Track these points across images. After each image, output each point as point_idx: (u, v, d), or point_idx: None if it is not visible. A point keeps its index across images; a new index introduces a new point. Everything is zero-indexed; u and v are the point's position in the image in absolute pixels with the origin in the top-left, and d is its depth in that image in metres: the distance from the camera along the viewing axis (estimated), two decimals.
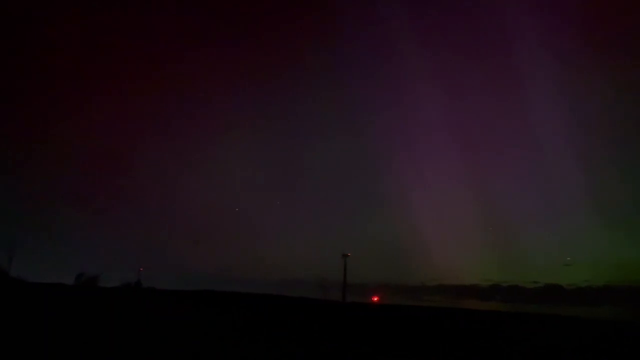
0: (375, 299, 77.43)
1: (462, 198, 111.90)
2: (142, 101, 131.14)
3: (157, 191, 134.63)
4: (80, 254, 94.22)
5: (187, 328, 27.89)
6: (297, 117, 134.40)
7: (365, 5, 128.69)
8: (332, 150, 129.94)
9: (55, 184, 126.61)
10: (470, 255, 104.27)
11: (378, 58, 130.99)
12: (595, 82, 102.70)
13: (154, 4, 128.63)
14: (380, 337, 29.91)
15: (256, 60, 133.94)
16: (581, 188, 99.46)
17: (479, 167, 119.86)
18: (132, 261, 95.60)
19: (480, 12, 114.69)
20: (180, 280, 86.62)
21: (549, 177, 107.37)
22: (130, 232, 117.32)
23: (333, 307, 54.35)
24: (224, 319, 34.30)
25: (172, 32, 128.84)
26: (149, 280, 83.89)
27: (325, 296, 74.00)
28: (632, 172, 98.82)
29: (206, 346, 22.40)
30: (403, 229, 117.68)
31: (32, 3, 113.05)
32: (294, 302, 55.13)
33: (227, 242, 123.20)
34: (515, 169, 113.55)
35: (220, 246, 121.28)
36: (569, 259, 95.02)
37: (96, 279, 68.90)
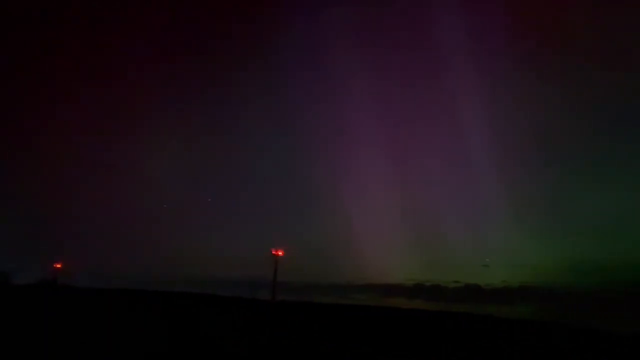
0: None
1: (390, 199, 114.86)
2: (70, 101, 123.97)
3: (80, 188, 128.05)
4: None
5: (100, 327, 26.84)
6: (229, 115, 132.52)
7: (299, 6, 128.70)
8: (262, 149, 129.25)
9: None
10: (396, 255, 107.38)
11: (309, 57, 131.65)
12: (518, 91, 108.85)
13: None
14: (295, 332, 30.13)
15: (178, 57, 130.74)
16: (501, 193, 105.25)
17: (406, 170, 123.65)
18: (50, 259, 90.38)
19: (411, 17, 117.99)
20: (102, 278, 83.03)
21: (472, 182, 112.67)
22: (50, 229, 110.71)
23: (262, 306, 54.14)
24: (141, 317, 33.29)
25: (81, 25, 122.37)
26: (69, 278, 79.82)
27: (255, 295, 73.40)
28: (546, 179, 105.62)
29: (120, 345, 21.69)
30: (333, 228, 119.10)
31: None
32: (221, 301, 54.38)
33: (153, 239, 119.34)
34: (441, 173, 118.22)
35: (146, 244, 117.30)
36: (487, 260, 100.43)
37: (7, 275, 64.75)
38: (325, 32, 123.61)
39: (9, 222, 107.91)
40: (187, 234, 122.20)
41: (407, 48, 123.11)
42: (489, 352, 28.33)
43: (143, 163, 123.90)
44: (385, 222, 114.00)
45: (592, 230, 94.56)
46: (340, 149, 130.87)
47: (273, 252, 77.80)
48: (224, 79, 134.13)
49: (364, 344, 26.57)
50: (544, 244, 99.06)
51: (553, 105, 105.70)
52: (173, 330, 27.45)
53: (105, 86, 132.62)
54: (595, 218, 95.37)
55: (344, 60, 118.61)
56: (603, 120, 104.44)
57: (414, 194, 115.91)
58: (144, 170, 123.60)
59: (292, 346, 23.76)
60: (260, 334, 27.05)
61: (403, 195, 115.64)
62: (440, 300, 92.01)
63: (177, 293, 63.70)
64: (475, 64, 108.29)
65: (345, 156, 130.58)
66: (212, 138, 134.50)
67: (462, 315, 54.43)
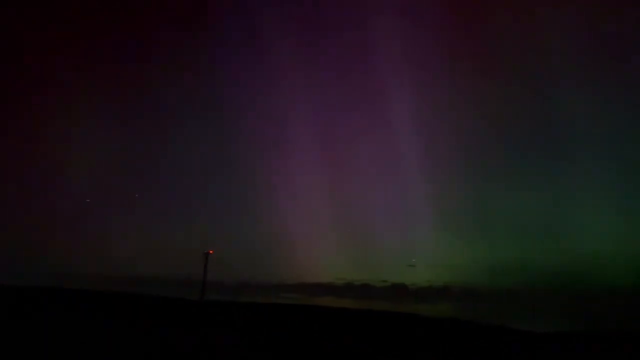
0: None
1: (323, 200, 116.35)
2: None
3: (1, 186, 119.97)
4: None
5: (17, 325, 25.64)
6: (163, 114, 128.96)
7: (236, 11, 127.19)
8: (195, 147, 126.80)
9: None
10: (328, 255, 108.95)
11: (245, 57, 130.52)
12: (446, 103, 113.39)
13: None
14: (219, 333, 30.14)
15: (110, 56, 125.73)
16: (428, 198, 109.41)
17: (339, 172, 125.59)
18: None
19: (347, 18, 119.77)
20: (25, 275, 78.34)
21: (402, 187, 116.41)
22: None
23: (190, 306, 53.28)
24: (66, 316, 32.05)
25: None
26: None
27: (184, 294, 71.99)
28: (469, 185, 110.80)
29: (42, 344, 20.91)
30: (266, 228, 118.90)
31: None
32: (148, 301, 53.04)
33: (79, 237, 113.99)
34: (372, 177, 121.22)
35: (71, 241, 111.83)
36: (413, 260, 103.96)
37: None
38: (261, 31, 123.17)
39: None
40: (115, 231, 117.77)
41: (343, 54, 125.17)
42: (408, 350, 29.53)
43: (71, 160, 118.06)
44: (318, 222, 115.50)
45: (510, 233, 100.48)
46: (274, 150, 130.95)
47: (204, 252, 76.78)
48: (157, 76, 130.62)
49: (284, 343, 26.92)
50: (466, 246, 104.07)
51: (477, 117, 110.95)
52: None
53: (30, 85, 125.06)
54: (514, 222, 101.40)
55: (280, 62, 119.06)
56: (523, 130, 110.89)
57: (346, 196, 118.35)
58: (71, 168, 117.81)
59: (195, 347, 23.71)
60: (175, 335, 26.73)
61: (335, 197, 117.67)
62: (368, 299, 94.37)
63: (96, 292, 61.32)
64: (409, 76, 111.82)
65: (279, 156, 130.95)
66: (143, 135, 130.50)
67: (387, 313, 56.15)
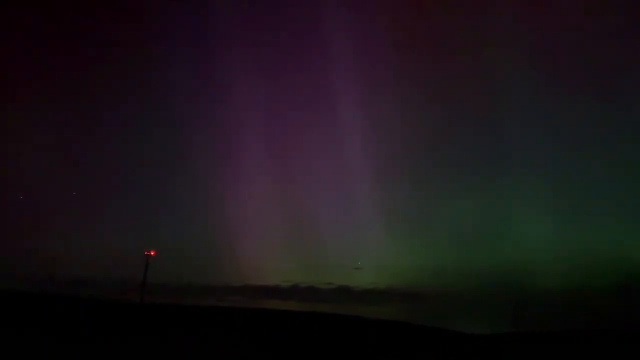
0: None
1: (269, 201, 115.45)
2: None
3: None
4: None
5: None
6: (108, 113, 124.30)
7: (184, 14, 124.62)
8: (138, 143, 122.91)
9: None
10: (274, 257, 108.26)
11: (190, 58, 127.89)
12: (394, 107, 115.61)
13: None
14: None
15: (48, 52, 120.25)
16: (375, 201, 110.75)
17: (285, 173, 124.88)
18: None
19: (297, 15, 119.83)
20: None
21: (349, 188, 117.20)
22: None
23: (130, 309, 51.82)
24: None
25: None
26: None
27: (123, 297, 69.80)
28: (415, 188, 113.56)
29: None
30: (211, 229, 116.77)
31: None
32: (85, 303, 51.18)
33: (9, 235, 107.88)
34: (319, 178, 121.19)
35: (1, 240, 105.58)
36: (359, 263, 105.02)
37: None
38: (208, 30, 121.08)
39: None
40: (50, 230, 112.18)
41: (293, 58, 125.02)
42: (352, 352, 29.99)
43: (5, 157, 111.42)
44: (264, 224, 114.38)
45: (451, 237, 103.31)
46: (219, 149, 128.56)
47: (145, 252, 74.85)
48: (105, 75, 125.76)
49: (225, 347, 26.77)
50: (410, 249, 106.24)
51: (422, 124, 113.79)
52: None
53: None
54: (455, 226, 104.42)
55: (226, 63, 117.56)
56: (466, 137, 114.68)
57: (293, 197, 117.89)
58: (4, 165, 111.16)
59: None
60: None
61: (282, 198, 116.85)
62: (313, 301, 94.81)
63: (27, 294, 58.45)
64: (357, 81, 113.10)
65: (224, 156, 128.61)
66: (83, 133, 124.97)
67: (332, 315, 56.76)
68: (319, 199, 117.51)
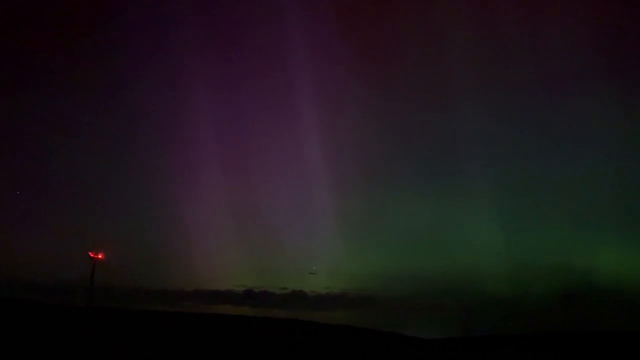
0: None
1: (223, 205, 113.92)
2: None
3: None
4: None
5: None
6: (58, 112, 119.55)
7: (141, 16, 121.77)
8: (87, 143, 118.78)
9: None
10: (228, 261, 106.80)
11: (150, 61, 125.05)
12: (350, 110, 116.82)
13: None
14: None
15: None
16: (330, 206, 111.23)
17: (240, 177, 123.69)
18: None
19: (257, 28, 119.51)
20: None
21: (304, 194, 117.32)
22: None
23: (75, 313, 49.85)
24: None
25: None
26: None
27: (69, 301, 67.18)
28: (369, 194, 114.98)
29: None
30: (163, 232, 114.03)
31: None
32: (30, 307, 48.91)
33: None
34: (274, 183, 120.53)
35: None
36: (314, 267, 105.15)
37: None
38: (168, 35, 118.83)
39: None
40: None
41: (254, 65, 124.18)
42: (303, 357, 29.90)
43: None
44: (218, 228, 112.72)
45: (407, 243, 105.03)
46: (174, 152, 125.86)
47: (91, 255, 72.28)
48: (54, 73, 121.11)
49: (172, 352, 26.17)
50: (365, 254, 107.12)
51: (379, 131, 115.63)
52: None
53: None
54: (411, 232, 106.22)
55: (184, 67, 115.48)
56: (421, 144, 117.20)
57: (248, 202, 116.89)
58: None
59: None
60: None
61: (236, 202, 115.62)
62: (267, 307, 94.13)
63: None
64: (317, 86, 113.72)
65: (179, 158, 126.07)
66: (32, 134, 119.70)
67: (285, 321, 56.48)
68: (275, 203, 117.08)
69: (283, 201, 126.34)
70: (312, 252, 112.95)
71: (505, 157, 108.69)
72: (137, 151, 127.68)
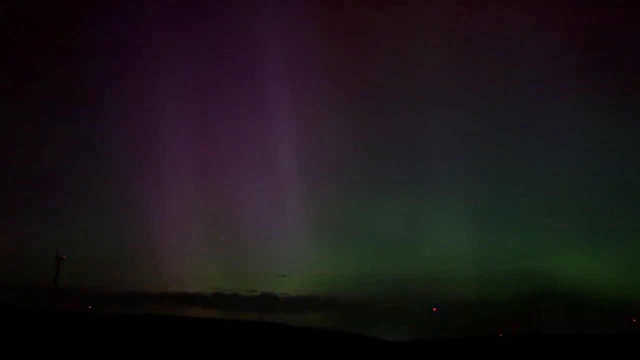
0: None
1: (193, 207, 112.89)
2: None
3: None
4: None
5: None
6: (24, 112, 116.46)
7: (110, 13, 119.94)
8: (54, 143, 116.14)
9: None
10: (196, 264, 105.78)
11: (117, 57, 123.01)
12: (321, 113, 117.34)
13: None
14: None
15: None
16: (301, 210, 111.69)
17: (211, 180, 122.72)
18: None
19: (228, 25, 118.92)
20: None
21: (276, 197, 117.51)
22: None
23: (39, 315, 48.58)
24: None
25: None
26: None
27: (32, 302, 65.44)
28: (340, 199, 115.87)
29: None
30: (132, 234, 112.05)
31: None
32: None
33: None
34: (245, 186, 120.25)
35: None
36: (284, 270, 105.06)
37: None
38: (136, 33, 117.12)
39: None
40: None
41: (226, 67, 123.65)
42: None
43: None
44: (187, 230, 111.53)
45: (377, 246, 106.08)
46: (142, 153, 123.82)
47: (56, 256, 70.95)
48: (20, 74, 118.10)
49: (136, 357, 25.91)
50: (335, 257, 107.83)
51: (350, 134, 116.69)
52: None
53: None
54: (380, 236, 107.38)
55: (153, 68, 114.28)
56: (391, 150, 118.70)
57: (218, 205, 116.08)
58: None
59: None
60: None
61: (206, 205, 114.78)
62: (237, 309, 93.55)
63: None
64: (288, 89, 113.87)
65: (148, 160, 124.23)
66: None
67: (255, 323, 56.34)
68: (246, 207, 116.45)
69: (254, 204, 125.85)
70: (283, 255, 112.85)
71: (474, 165, 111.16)
72: (106, 153, 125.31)
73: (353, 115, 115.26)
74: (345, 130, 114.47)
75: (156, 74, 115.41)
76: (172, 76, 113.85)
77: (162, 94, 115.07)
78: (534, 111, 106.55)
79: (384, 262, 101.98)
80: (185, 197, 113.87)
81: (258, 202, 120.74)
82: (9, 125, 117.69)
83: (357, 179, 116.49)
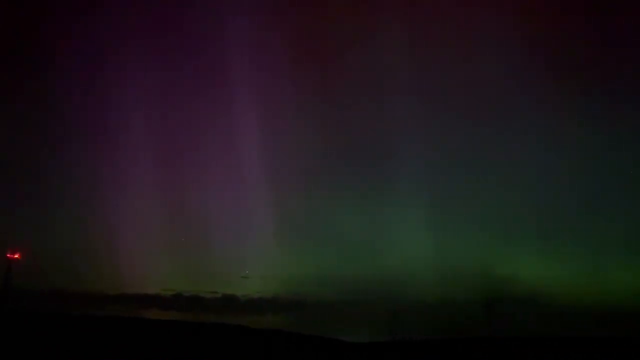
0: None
1: (153, 206, 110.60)
2: None
3: None
4: None
5: None
6: None
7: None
8: (7, 138, 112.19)
9: None
10: (155, 265, 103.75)
11: (73, 53, 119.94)
12: (287, 112, 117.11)
13: None
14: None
15: None
16: (266, 210, 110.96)
17: (172, 178, 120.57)
18: None
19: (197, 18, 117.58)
20: None
21: (239, 197, 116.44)
22: None
23: None
24: None
25: None
26: None
27: None
28: (306, 200, 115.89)
29: None
30: (85, 232, 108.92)
31: None
32: None
33: None
34: (207, 185, 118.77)
35: None
36: (247, 271, 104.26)
37: None
38: (96, 31, 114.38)
39: None
40: None
41: (188, 64, 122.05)
42: None
43: None
44: (146, 229, 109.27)
45: (340, 247, 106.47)
46: (100, 150, 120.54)
47: (7, 255, 68.50)
48: None
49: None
50: (298, 258, 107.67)
51: (315, 134, 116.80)
52: None
53: None
54: (343, 236, 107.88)
55: (114, 66, 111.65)
56: (356, 150, 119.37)
57: (178, 203, 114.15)
58: None
59: None
60: None
61: (166, 203, 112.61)
62: (197, 311, 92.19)
63: None
64: (255, 86, 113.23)
65: (106, 157, 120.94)
66: None
67: (216, 325, 55.69)
68: (207, 205, 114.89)
69: (215, 203, 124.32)
70: (245, 256, 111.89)
71: (437, 169, 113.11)
72: (59, 148, 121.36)
73: (318, 117, 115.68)
74: (310, 130, 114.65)
75: (111, 69, 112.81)
76: (130, 76, 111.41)
77: (120, 93, 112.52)
78: (498, 116, 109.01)
79: (347, 263, 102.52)
80: (145, 196, 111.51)
81: (220, 202, 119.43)
82: None
83: (320, 180, 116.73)
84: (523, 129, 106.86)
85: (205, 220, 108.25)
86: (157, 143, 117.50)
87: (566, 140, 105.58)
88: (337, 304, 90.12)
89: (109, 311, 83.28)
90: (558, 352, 43.04)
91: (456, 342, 51.43)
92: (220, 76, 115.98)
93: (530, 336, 55.05)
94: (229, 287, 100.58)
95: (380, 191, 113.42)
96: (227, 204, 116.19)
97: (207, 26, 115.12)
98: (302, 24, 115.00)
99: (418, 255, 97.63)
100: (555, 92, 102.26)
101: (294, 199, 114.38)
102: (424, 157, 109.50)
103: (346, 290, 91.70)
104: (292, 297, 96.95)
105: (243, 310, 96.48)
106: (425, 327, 73.24)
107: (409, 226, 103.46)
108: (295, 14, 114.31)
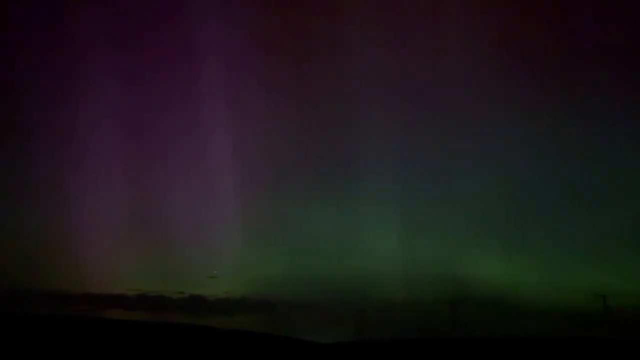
0: None
1: (118, 204, 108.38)
2: None
3: None
4: None
5: None
6: None
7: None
8: None
9: None
10: (119, 264, 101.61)
11: (38, 47, 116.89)
12: (259, 110, 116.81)
13: None
14: None
15: None
16: (236, 209, 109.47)
17: (138, 175, 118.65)
18: None
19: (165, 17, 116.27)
20: None
21: (208, 195, 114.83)
22: None
23: None
24: None
25: None
26: None
27: None
28: (278, 199, 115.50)
29: None
30: (49, 229, 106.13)
31: None
32: None
33: None
34: (175, 182, 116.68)
35: None
36: (215, 272, 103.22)
37: None
38: (57, 26, 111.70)
39: None
40: None
41: (155, 59, 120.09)
42: None
43: None
44: (111, 227, 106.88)
45: (308, 246, 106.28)
46: (66, 148, 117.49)
47: None
48: None
49: None
50: (266, 257, 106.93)
51: (284, 135, 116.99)
52: None
53: None
54: (312, 235, 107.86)
55: (78, 61, 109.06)
56: (324, 150, 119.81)
57: (144, 200, 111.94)
58: None
59: None
60: None
61: (131, 200, 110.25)
62: (163, 311, 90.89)
63: None
64: (225, 85, 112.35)
65: (71, 155, 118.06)
66: None
67: (182, 326, 55.12)
68: (174, 203, 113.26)
69: (183, 201, 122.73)
70: (212, 256, 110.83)
71: (406, 170, 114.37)
72: (23, 143, 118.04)
73: (286, 115, 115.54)
74: (280, 129, 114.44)
75: (83, 68, 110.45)
76: (98, 72, 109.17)
77: (87, 91, 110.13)
78: (465, 116, 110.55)
79: (316, 263, 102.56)
80: (108, 191, 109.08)
81: (187, 201, 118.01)
82: None
83: (289, 179, 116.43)
84: (490, 129, 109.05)
85: (171, 220, 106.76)
86: (123, 142, 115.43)
87: (531, 140, 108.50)
88: (306, 304, 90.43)
89: (73, 311, 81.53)
90: (522, 352, 44.31)
91: (422, 342, 52.36)
92: (189, 75, 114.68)
93: (495, 337, 56.35)
94: (196, 287, 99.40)
95: (348, 192, 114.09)
96: (194, 203, 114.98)
97: (175, 25, 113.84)
98: (273, 22, 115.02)
99: (386, 256, 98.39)
100: (531, 91, 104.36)
101: (263, 198, 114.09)
102: (393, 158, 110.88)
103: (314, 290, 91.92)
104: (260, 297, 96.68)
105: (211, 310, 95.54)
106: (392, 327, 74.33)
107: (377, 227, 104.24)
108: (270, 14, 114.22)
